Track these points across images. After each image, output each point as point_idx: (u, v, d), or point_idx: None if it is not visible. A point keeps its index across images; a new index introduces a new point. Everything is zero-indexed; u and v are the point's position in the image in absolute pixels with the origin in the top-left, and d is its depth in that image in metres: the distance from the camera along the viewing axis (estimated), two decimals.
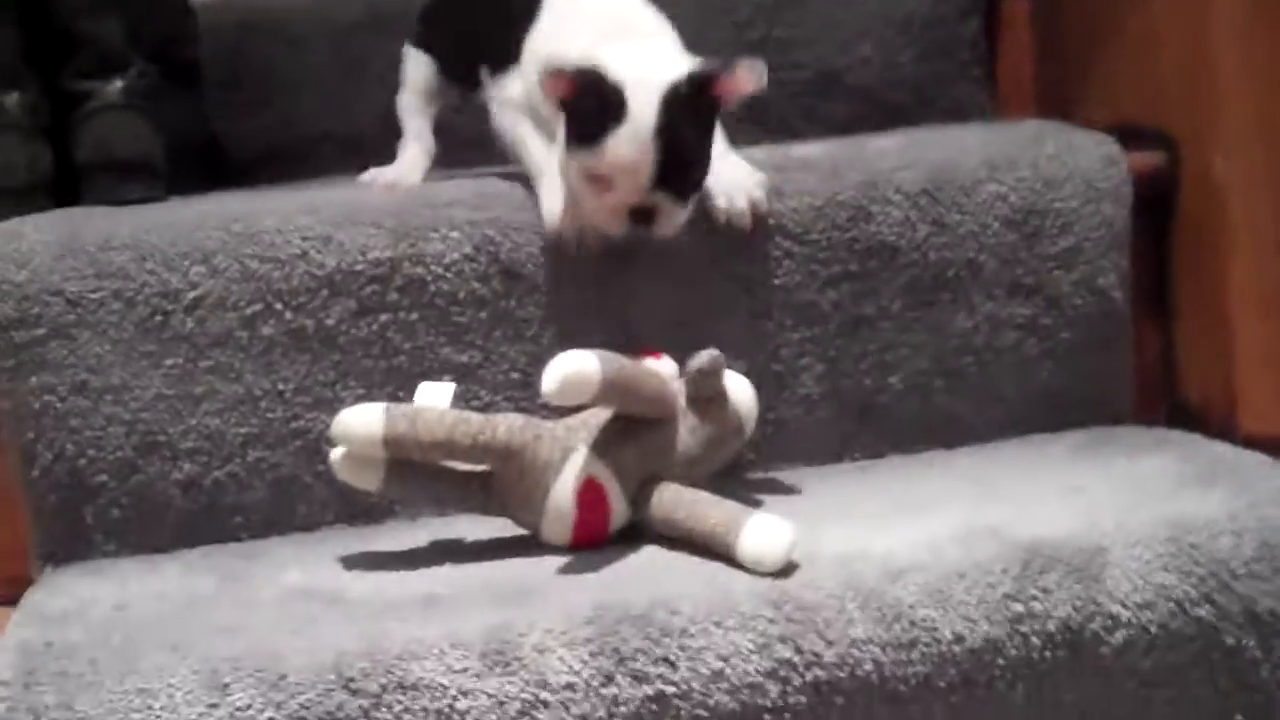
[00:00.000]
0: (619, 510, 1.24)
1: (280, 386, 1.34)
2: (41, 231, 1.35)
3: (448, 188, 1.45)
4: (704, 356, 1.25)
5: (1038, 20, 1.81)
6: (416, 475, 1.24)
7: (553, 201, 1.36)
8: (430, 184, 1.52)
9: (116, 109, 1.60)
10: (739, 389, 1.31)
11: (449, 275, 1.35)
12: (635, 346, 1.31)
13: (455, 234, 1.37)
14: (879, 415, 1.44)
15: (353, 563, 1.26)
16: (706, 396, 1.28)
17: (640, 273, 1.38)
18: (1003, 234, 1.44)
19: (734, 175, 1.38)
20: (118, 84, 1.61)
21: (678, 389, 1.28)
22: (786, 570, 1.14)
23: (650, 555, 1.22)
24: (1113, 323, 1.47)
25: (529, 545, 1.24)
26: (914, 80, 1.86)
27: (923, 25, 1.85)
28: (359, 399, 1.33)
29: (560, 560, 1.21)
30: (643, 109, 1.26)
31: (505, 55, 1.42)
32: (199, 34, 1.95)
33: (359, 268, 1.34)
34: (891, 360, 1.43)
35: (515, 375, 1.37)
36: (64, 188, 1.60)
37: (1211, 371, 1.52)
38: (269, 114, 2.00)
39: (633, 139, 1.26)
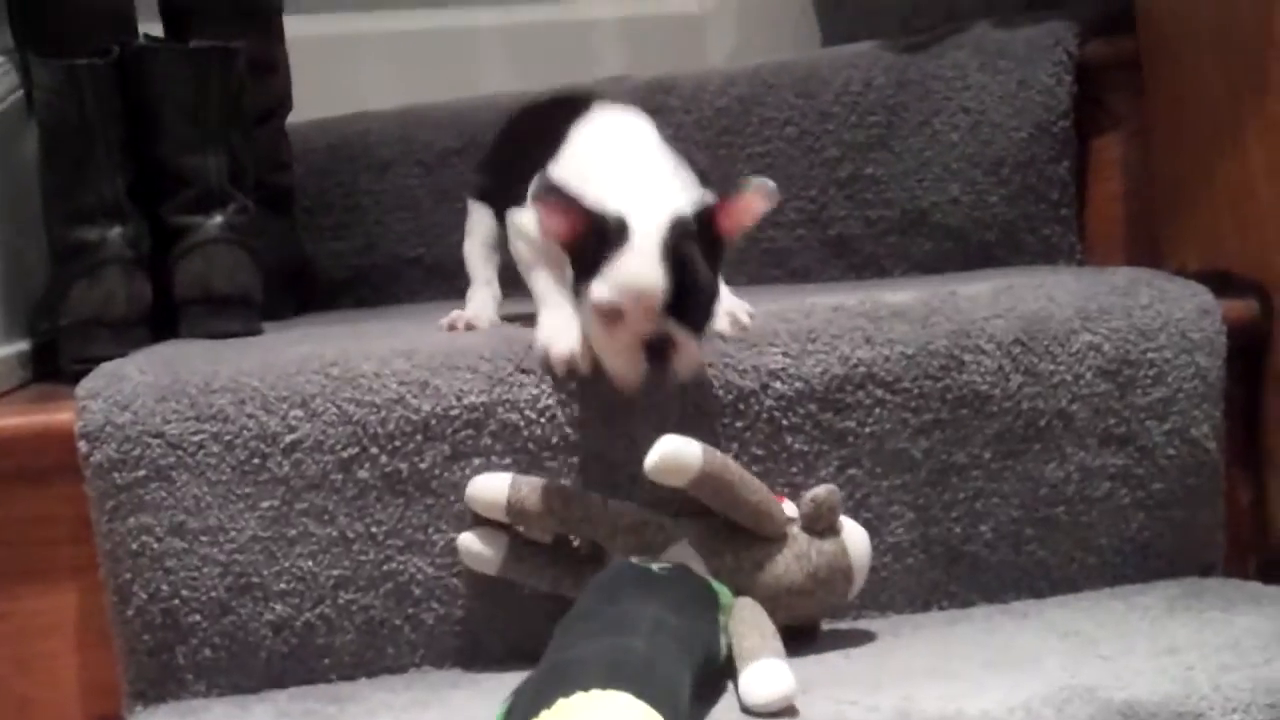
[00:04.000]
0: None
1: (373, 530, 1.34)
2: (144, 373, 1.36)
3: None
4: (823, 489, 1.30)
5: (1129, 165, 1.81)
6: (535, 556, 1.32)
7: (551, 329, 1.36)
8: (524, 328, 1.52)
9: (216, 244, 1.62)
10: (855, 536, 1.33)
11: (542, 420, 1.36)
12: None
13: (549, 378, 1.37)
14: (969, 564, 1.43)
15: (443, 710, 1.25)
16: (819, 530, 1.31)
17: (730, 419, 1.38)
18: (1095, 384, 1.43)
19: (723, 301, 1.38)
20: (218, 219, 1.63)
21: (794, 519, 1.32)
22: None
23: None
24: (1205, 473, 1.46)
25: None
26: (1003, 221, 1.86)
27: (1013, 167, 1.85)
28: (450, 543, 1.34)
29: None
30: (647, 233, 1.24)
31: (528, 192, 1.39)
32: (292, 160, 1.99)
33: (454, 412, 1.35)
34: (982, 509, 1.42)
35: None
36: (160, 318, 1.62)
37: None
38: (358, 237, 2.03)
39: (638, 261, 1.24)
